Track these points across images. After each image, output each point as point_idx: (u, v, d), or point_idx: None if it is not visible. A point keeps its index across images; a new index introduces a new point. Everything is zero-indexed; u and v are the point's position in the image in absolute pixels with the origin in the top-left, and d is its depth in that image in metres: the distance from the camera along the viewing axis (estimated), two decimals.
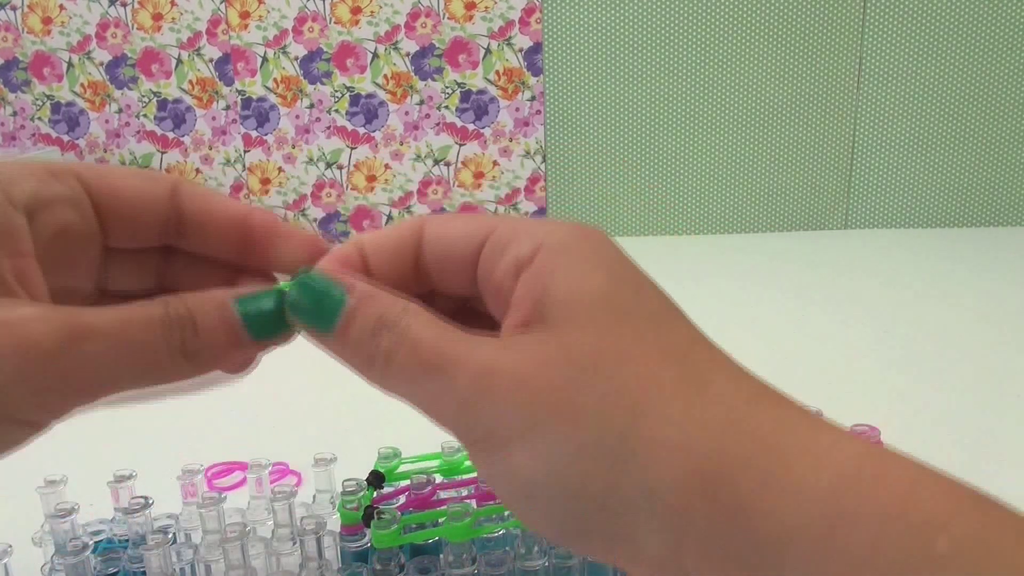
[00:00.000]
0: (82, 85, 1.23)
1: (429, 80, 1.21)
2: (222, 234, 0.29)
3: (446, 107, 1.22)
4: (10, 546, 0.41)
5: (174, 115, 1.24)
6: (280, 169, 1.25)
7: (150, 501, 0.43)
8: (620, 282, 0.25)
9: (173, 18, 1.20)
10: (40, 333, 0.24)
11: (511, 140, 1.23)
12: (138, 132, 1.25)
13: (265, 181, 1.26)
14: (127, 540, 0.43)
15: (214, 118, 1.24)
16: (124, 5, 1.20)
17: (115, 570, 0.41)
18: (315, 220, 1.27)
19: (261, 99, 1.23)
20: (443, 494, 0.44)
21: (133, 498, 0.43)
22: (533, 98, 1.21)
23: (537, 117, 1.22)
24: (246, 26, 1.20)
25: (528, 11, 1.18)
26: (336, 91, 1.22)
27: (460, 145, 1.23)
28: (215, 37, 1.21)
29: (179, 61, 1.22)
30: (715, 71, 1.19)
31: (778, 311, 0.93)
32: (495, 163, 1.24)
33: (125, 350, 0.26)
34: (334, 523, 0.43)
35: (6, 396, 0.24)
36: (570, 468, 0.23)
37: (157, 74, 1.23)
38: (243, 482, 0.55)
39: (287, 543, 0.41)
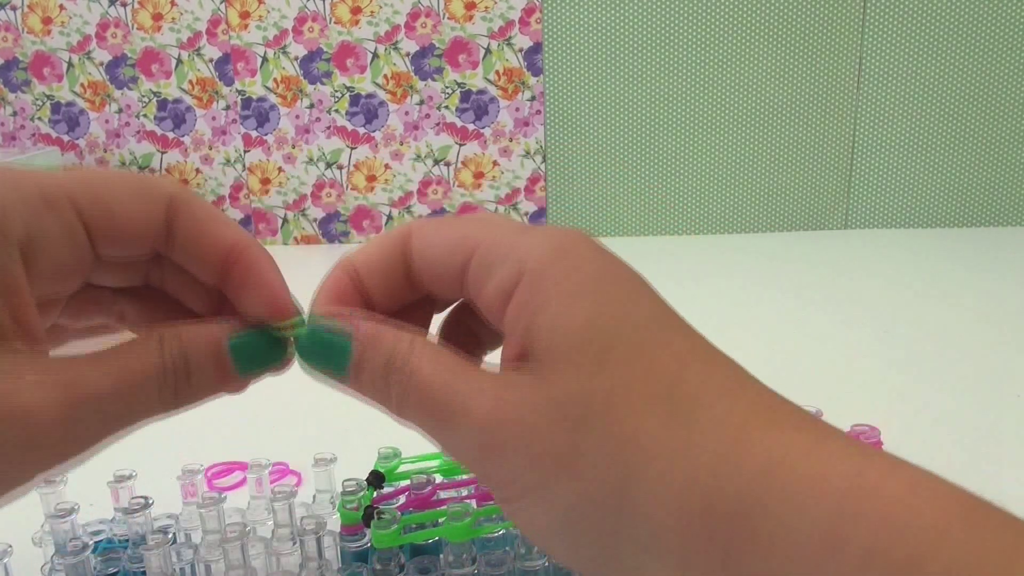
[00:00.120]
0: (82, 85, 1.23)
1: (429, 80, 1.21)
2: (206, 262, 0.29)
3: (446, 107, 1.22)
4: (10, 546, 0.41)
5: (174, 115, 1.24)
6: (280, 169, 1.25)
7: (150, 501, 0.43)
8: (604, 305, 0.25)
9: (173, 18, 1.20)
10: (38, 403, 0.24)
11: (511, 140, 1.23)
12: (138, 132, 1.25)
13: (265, 181, 1.26)
14: (127, 540, 0.43)
15: (214, 118, 1.24)
16: (124, 5, 1.20)
17: (115, 570, 0.41)
18: (315, 220, 1.27)
19: (261, 99, 1.23)
20: (443, 494, 0.44)
21: (133, 498, 0.43)
22: (533, 98, 1.21)
23: (537, 117, 1.22)
24: (246, 26, 1.20)
25: (528, 11, 1.18)
26: (336, 91, 1.22)
27: (460, 145, 1.23)
28: (215, 37, 1.21)
29: (179, 61, 1.22)
30: (715, 71, 1.19)
31: (778, 311, 0.93)
32: (495, 163, 1.24)
33: (123, 406, 0.27)
34: (334, 523, 0.43)
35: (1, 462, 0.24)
36: (579, 517, 0.24)
37: (157, 74, 1.23)
38: (243, 482, 0.55)
39: (287, 543, 0.41)
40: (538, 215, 1.25)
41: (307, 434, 0.66)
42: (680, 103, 1.21)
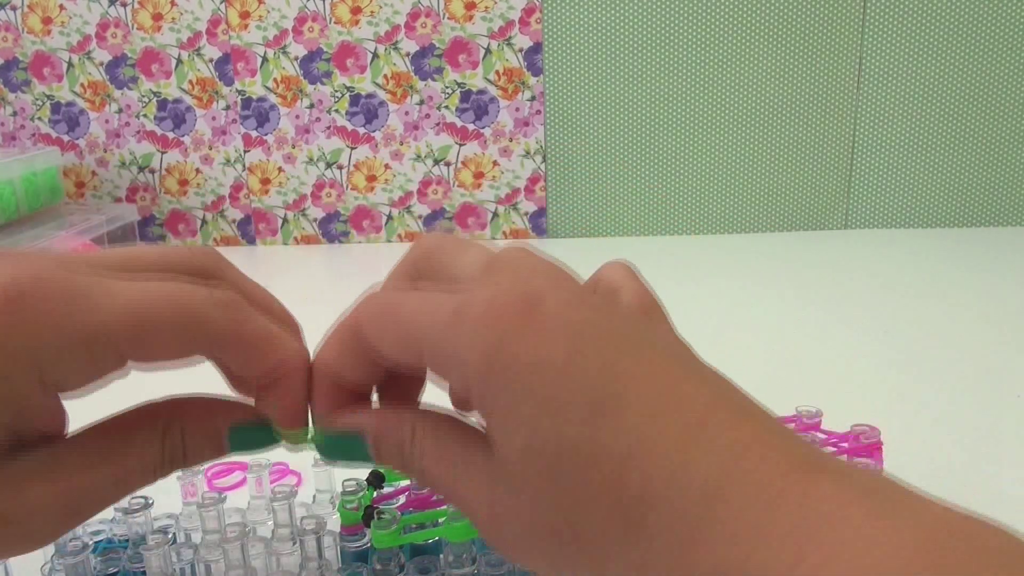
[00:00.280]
0: (82, 85, 1.23)
1: (429, 80, 1.21)
2: (243, 372, 0.31)
3: (446, 107, 1.22)
4: None
5: (174, 115, 1.24)
6: (280, 169, 1.25)
7: (150, 501, 0.43)
8: (547, 414, 0.25)
9: (173, 18, 1.20)
10: (39, 522, 0.28)
11: (511, 140, 1.23)
12: (138, 132, 1.25)
13: (265, 181, 1.26)
14: (127, 540, 0.43)
15: (214, 118, 1.24)
16: (124, 5, 1.20)
17: (115, 570, 0.41)
18: (315, 220, 1.27)
19: (261, 99, 1.23)
20: None
21: (133, 498, 0.43)
22: (533, 98, 1.21)
23: (537, 117, 1.22)
24: (246, 26, 1.20)
25: (528, 11, 1.18)
26: (336, 91, 1.22)
27: (460, 145, 1.23)
28: (215, 37, 1.21)
29: (179, 61, 1.22)
30: (715, 71, 1.19)
31: (778, 311, 0.93)
32: (495, 163, 1.24)
33: (118, 496, 0.30)
34: (334, 523, 0.43)
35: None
36: None
37: (157, 74, 1.23)
38: (243, 482, 0.55)
39: (287, 543, 0.41)
40: (538, 215, 1.26)
41: None
42: (680, 103, 1.21)
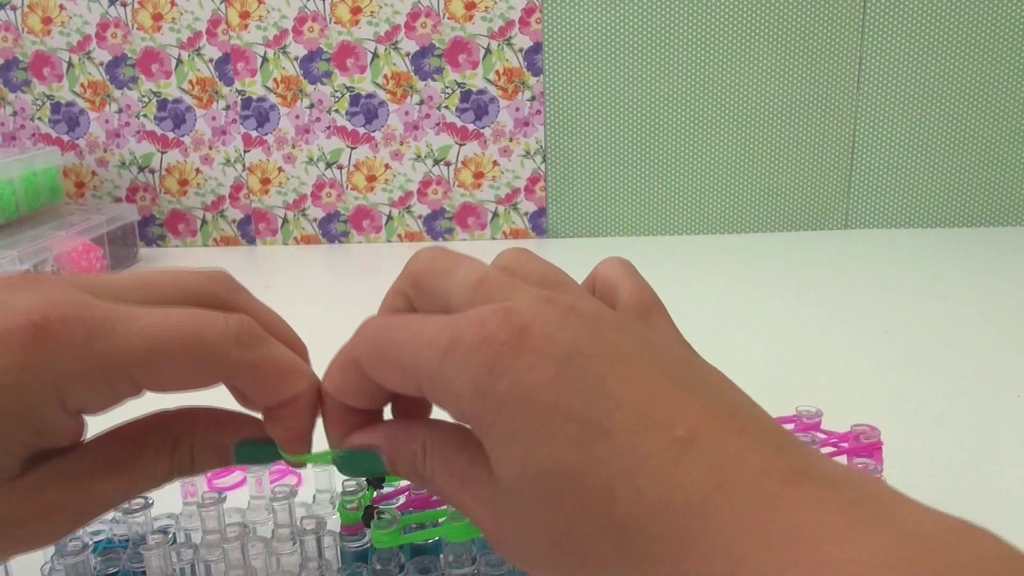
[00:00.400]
0: (82, 85, 1.23)
1: (429, 80, 1.21)
2: (255, 401, 0.33)
3: (446, 107, 1.22)
4: None
5: (174, 115, 1.24)
6: (280, 169, 1.25)
7: (150, 501, 0.43)
8: (538, 440, 0.26)
9: (173, 18, 1.20)
10: (53, 532, 0.30)
11: (511, 140, 1.23)
12: (138, 132, 1.25)
13: (265, 181, 1.26)
14: (127, 540, 0.43)
15: (214, 118, 1.24)
16: (124, 5, 1.20)
17: (115, 570, 0.41)
18: (315, 220, 1.27)
19: (261, 99, 1.23)
20: None
21: None
22: (533, 98, 1.21)
23: (537, 117, 1.22)
24: (246, 26, 1.20)
25: (528, 11, 1.18)
26: (336, 91, 1.22)
27: (460, 145, 1.23)
28: (215, 37, 1.21)
29: (179, 61, 1.22)
30: (715, 71, 1.19)
31: (778, 311, 0.93)
32: (495, 163, 1.24)
33: (123, 502, 0.32)
34: (334, 523, 0.43)
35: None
36: None
37: (157, 74, 1.23)
38: (243, 482, 0.55)
39: (287, 543, 0.41)
40: (538, 215, 1.26)
41: None
42: (680, 103, 1.21)
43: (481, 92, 1.21)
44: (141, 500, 0.43)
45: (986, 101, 1.19)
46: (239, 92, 1.23)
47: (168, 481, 0.33)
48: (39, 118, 1.25)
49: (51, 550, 0.42)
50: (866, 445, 0.49)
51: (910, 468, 0.58)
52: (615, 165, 1.23)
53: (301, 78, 1.22)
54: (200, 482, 0.46)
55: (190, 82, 1.23)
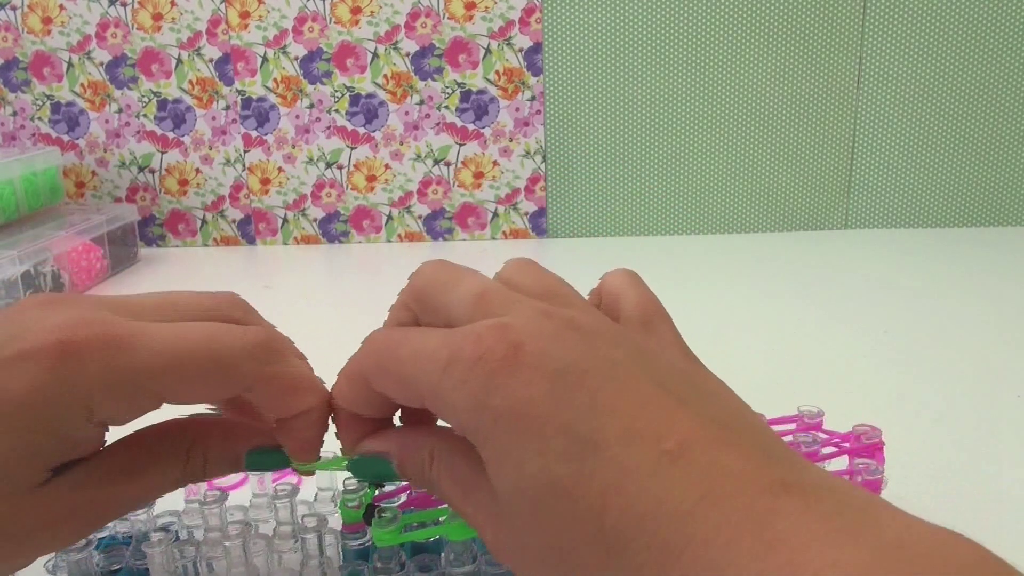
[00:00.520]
0: (82, 85, 1.24)
1: (429, 80, 1.21)
2: (269, 413, 0.35)
3: (446, 107, 1.22)
4: None
5: (174, 115, 1.24)
6: (280, 169, 1.25)
7: None
8: (532, 453, 0.26)
9: (173, 18, 1.20)
10: (74, 533, 0.32)
11: (511, 140, 1.23)
12: (138, 132, 1.25)
13: (265, 181, 1.26)
14: (130, 537, 0.43)
15: (214, 118, 1.24)
16: (124, 5, 1.20)
17: (118, 567, 0.41)
18: (315, 220, 1.27)
19: (261, 99, 1.23)
20: None
21: None
22: (533, 98, 1.21)
23: (537, 117, 1.22)
24: (246, 26, 1.20)
25: (528, 11, 1.18)
26: (336, 91, 1.22)
27: (460, 145, 1.23)
28: (215, 37, 1.21)
29: (179, 61, 1.22)
30: (715, 71, 1.19)
31: (778, 311, 0.93)
32: (495, 163, 1.24)
33: (139, 506, 0.35)
34: (335, 521, 0.43)
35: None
36: None
37: (157, 74, 1.23)
38: (245, 480, 0.55)
39: (288, 541, 0.41)
40: (538, 215, 1.26)
41: None
42: (680, 103, 1.21)
43: (481, 92, 1.21)
44: None
45: (986, 101, 1.19)
46: (239, 92, 1.23)
47: (181, 486, 0.34)
48: (39, 118, 1.25)
49: None
50: (867, 445, 0.49)
51: (910, 468, 0.58)
52: (615, 165, 1.24)
53: (301, 78, 1.22)
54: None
55: (190, 82, 1.23)
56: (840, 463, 0.49)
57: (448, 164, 1.24)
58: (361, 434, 0.34)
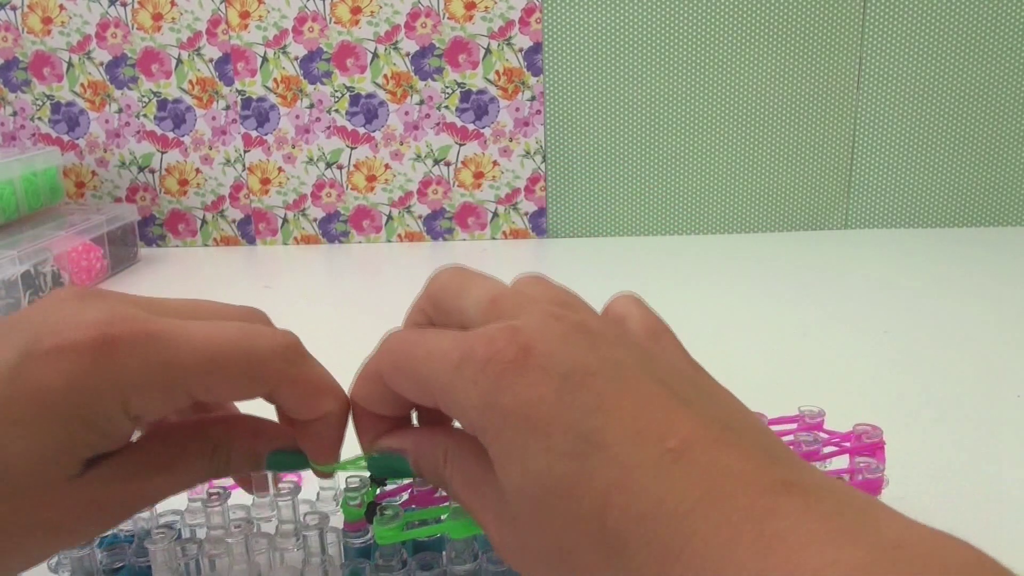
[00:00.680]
0: (82, 85, 1.24)
1: (429, 80, 1.21)
2: (291, 415, 0.35)
3: (446, 107, 1.22)
4: None
5: (174, 115, 1.24)
6: (280, 169, 1.25)
7: None
8: (537, 450, 0.27)
9: (173, 18, 1.20)
10: (101, 524, 0.34)
11: (511, 140, 1.23)
12: (138, 132, 1.25)
13: (265, 181, 1.26)
14: (132, 535, 0.43)
15: (214, 118, 1.24)
16: (124, 5, 1.20)
17: (120, 564, 0.41)
18: (315, 220, 1.27)
19: (261, 99, 1.23)
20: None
21: None
22: (533, 98, 1.21)
23: (537, 117, 1.22)
24: (246, 26, 1.20)
25: (528, 11, 1.18)
26: (336, 91, 1.22)
27: (460, 145, 1.23)
28: (215, 37, 1.21)
29: (179, 61, 1.22)
30: (715, 71, 1.19)
31: (778, 311, 0.93)
32: (495, 163, 1.24)
33: (167, 495, 0.35)
34: (337, 519, 0.43)
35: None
36: None
37: (157, 74, 1.23)
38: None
39: (291, 539, 0.41)
40: (538, 215, 1.26)
41: None
42: (680, 103, 1.21)
43: (481, 92, 1.21)
44: None
45: (986, 101, 1.19)
46: (239, 92, 1.23)
47: (205, 481, 0.36)
48: (39, 118, 1.25)
49: None
50: (868, 444, 0.49)
51: (910, 468, 0.58)
52: (615, 165, 1.24)
53: (301, 78, 1.22)
54: None
55: (190, 82, 1.23)
56: (841, 462, 0.49)
57: (448, 164, 1.24)
58: (378, 432, 0.35)
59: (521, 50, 1.20)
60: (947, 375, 0.75)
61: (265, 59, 1.21)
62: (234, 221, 1.28)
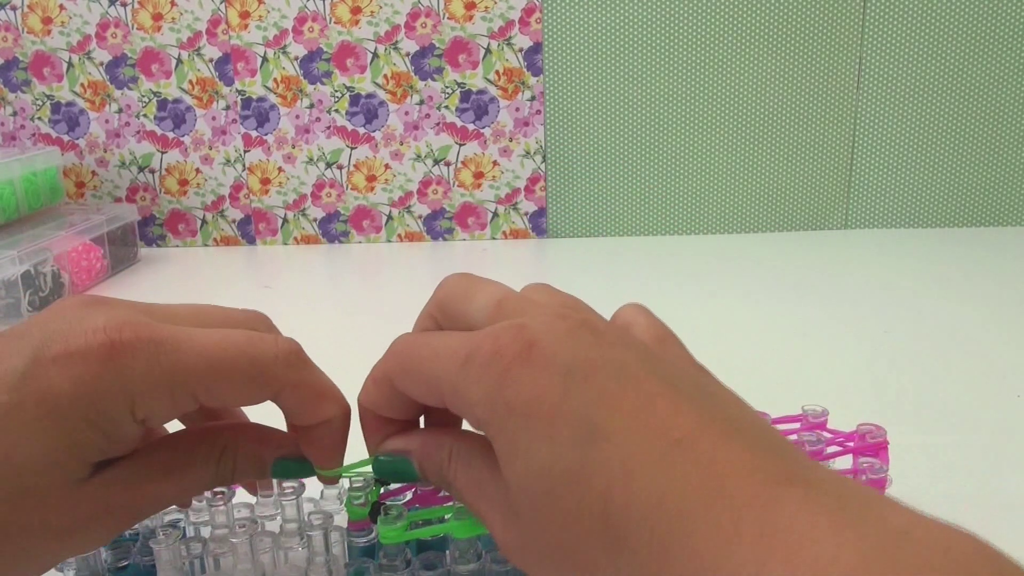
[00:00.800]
0: (82, 85, 1.24)
1: (429, 80, 1.21)
2: (295, 420, 0.36)
3: (446, 107, 1.22)
4: None
5: (174, 115, 1.24)
6: (280, 169, 1.25)
7: None
8: (542, 442, 0.27)
9: (173, 18, 1.20)
10: (117, 527, 0.34)
11: (511, 140, 1.23)
12: (138, 132, 1.25)
13: (265, 181, 1.26)
14: (137, 534, 0.43)
15: (214, 118, 1.24)
16: (124, 5, 1.20)
17: (125, 563, 0.41)
18: (315, 220, 1.27)
19: (261, 99, 1.23)
20: None
21: None
22: (533, 98, 1.21)
23: (537, 117, 1.22)
24: (246, 26, 1.20)
25: (528, 11, 1.18)
26: (336, 91, 1.22)
27: (460, 145, 1.23)
28: (215, 37, 1.21)
29: (179, 61, 1.22)
30: (715, 71, 1.19)
31: (778, 311, 0.93)
32: (495, 163, 1.24)
33: (173, 503, 0.36)
34: (341, 519, 0.43)
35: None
36: None
37: (157, 74, 1.23)
38: None
39: (295, 538, 0.41)
40: (538, 215, 1.26)
41: None
42: (680, 103, 1.21)
43: (481, 92, 1.21)
44: None
45: (986, 101, 1.19)
46: (239, 92, 1.23)
47: (210, 488, 0.36)
48: (39, 118, 1.25)
49: None
50: (872, 444, 0.49)
51: (910, 468, 0.58)
52: (615, 165, 1.24)
53: (301, 78, 1.22)
54: None
55: (190, 82, 1.23)
56: (844, 462, 0.49)
57: (448, 164, 1.24)
58: (385, 436, 0.35)
59: (521, 50, 1.20)
60: (947, 375, 0.75)
61: (265, 59, 1.21)
62: (234, 221, 1.28)
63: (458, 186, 1.25)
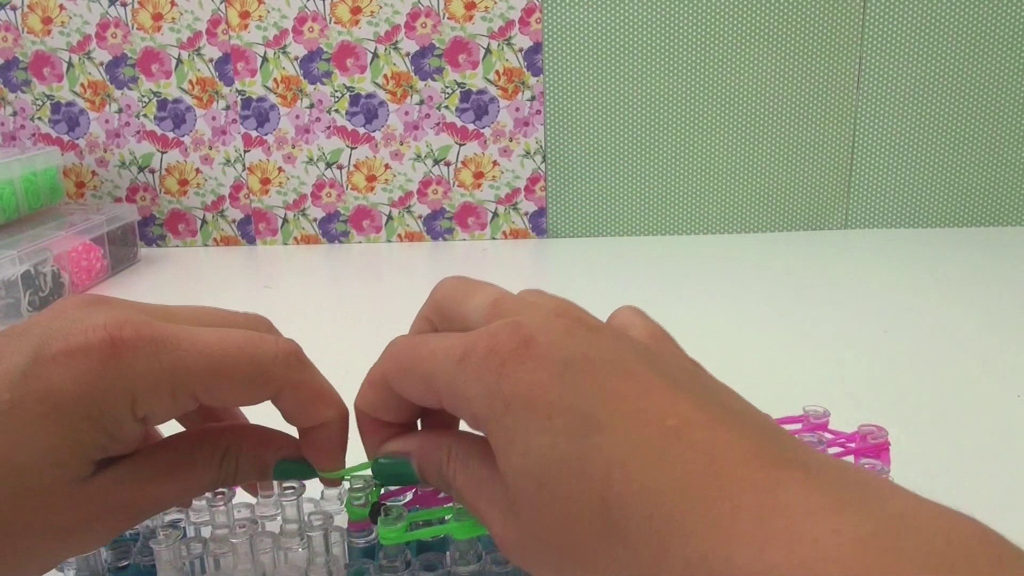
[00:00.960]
0: (82, 85, 1.23)
1: (429, 80, 1.21)
2: (295, 421, 0.36)
3: (446, 107, 1.22)
4: None
5: (174, 115, 1.24)
6: (280, 169, 1.25)
7: None
8: (539, 433, 0.27)
9: (173, 18, 1.20)
10: (117, 529, 0.34)
11: (511, 140, 1.23)
12: (138, 132, 1.25)
13: (265, 181, 1.26)
14: (137, 533, 0.43)
15: (214, 118, 1.24)
16: (124, 5, 1.20)
17: (125, 562, 0.41)
18: (315, 220, 1.27)
19: (261, 99, 1.23)
20: None
21: None
22: (533, 98, 1.21)
23: (537, 117, 1.22)
24: (246, 26, 1.20)
25: (528, 11, 1.18)
26: (336, 91, 1.22)
27: (460, 145, 1.23)
28: (215, 37, 1.21)
29: (179, 61, 1.22)
30: (715, 71, 1.19)
31: (778, 311, 0.93)
32: (495, 163, 1.24)
33: (176, 504, 0.36)
34: (341, 519, 0.43)
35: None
36: None
37: (157, 74, 1.23)
38: None
39: (295, 539, 0.41)
40: (538, 215, 1.26)
41: None
42: (680, 103, 1.21)
43: (481, 92, 1.21)
44: None
45: (986, 101, 1.19)
46: (239, 92, 1.23)
47: (213, 489, 0.36)
48: (39, 118, 1.25)
49: None
50: (873, 445, 0.49)
51: (910, 468, 0.58)
52: (615, 165, 1.24)
53: (301, 78, 1.22)
54: None
55: (190, 82, 1.23)
56: None
57: (448, 164, 1.24)
58: (383, 439, 0.36)
59: (521, 50, 1.20)
60: (947, 375, 0.75)
61: (265, 59, 1.21)
62: (234, 221, 1.28)
63: (458, 186, 1.25)
